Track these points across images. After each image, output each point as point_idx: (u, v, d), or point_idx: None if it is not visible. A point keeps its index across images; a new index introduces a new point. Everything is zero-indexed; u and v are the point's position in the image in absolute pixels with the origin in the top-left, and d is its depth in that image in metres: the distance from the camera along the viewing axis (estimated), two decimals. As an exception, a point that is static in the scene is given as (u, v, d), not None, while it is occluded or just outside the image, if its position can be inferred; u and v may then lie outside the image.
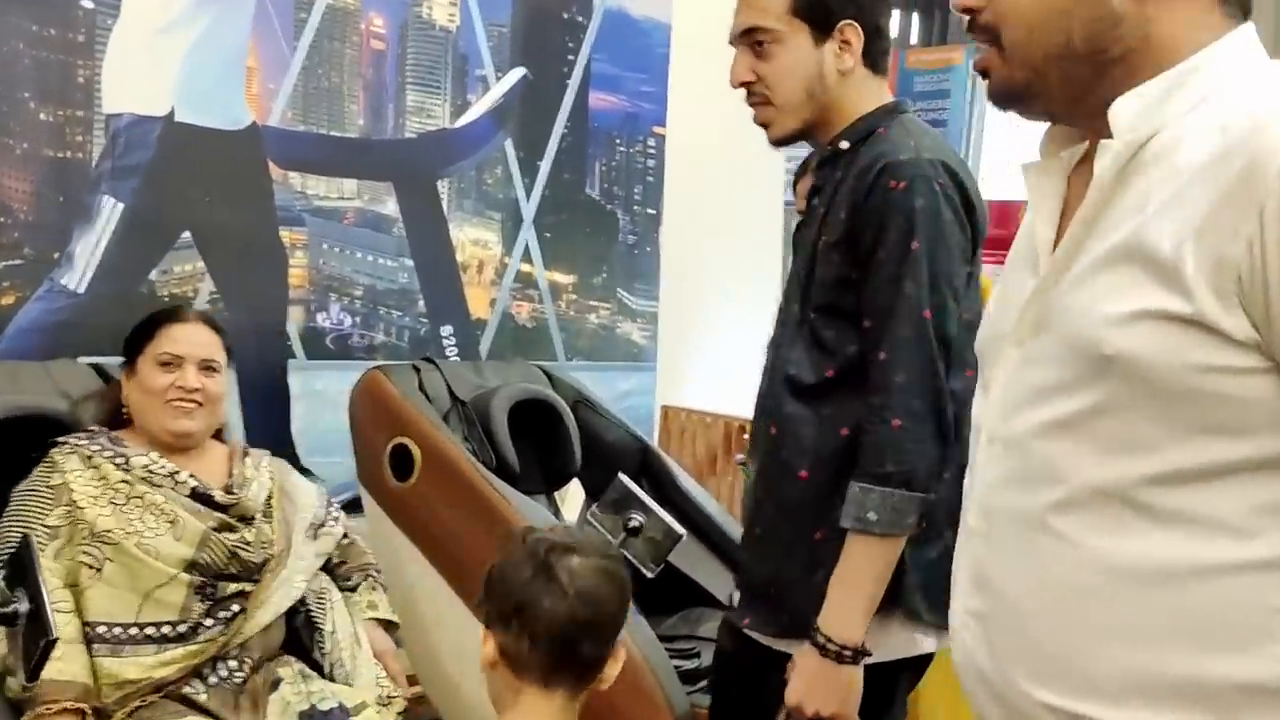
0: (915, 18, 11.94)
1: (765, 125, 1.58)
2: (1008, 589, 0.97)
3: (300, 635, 2.06)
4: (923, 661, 1.62)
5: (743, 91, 1.59)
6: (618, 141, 3.58)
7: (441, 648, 2.42)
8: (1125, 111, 0.92)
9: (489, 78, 3.24)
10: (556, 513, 2.64)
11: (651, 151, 3.66)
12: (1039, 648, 0.95)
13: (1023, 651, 0.96)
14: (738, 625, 1.61)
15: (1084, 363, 0.90)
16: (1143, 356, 0.86)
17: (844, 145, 1.54)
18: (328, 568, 2.14)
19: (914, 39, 12.35)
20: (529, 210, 3.36)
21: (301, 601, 2.05)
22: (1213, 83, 0.90)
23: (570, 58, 3.44)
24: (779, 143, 1.60)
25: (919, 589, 1.50)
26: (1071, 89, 0.96)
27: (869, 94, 1.57)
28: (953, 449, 1.45)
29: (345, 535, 2.19)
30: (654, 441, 3.32)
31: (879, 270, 1.45)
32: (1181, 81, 0.90)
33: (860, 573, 1.45)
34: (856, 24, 1.55)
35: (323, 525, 2.13)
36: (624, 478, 2.43)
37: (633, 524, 2.31)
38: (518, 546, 1.39)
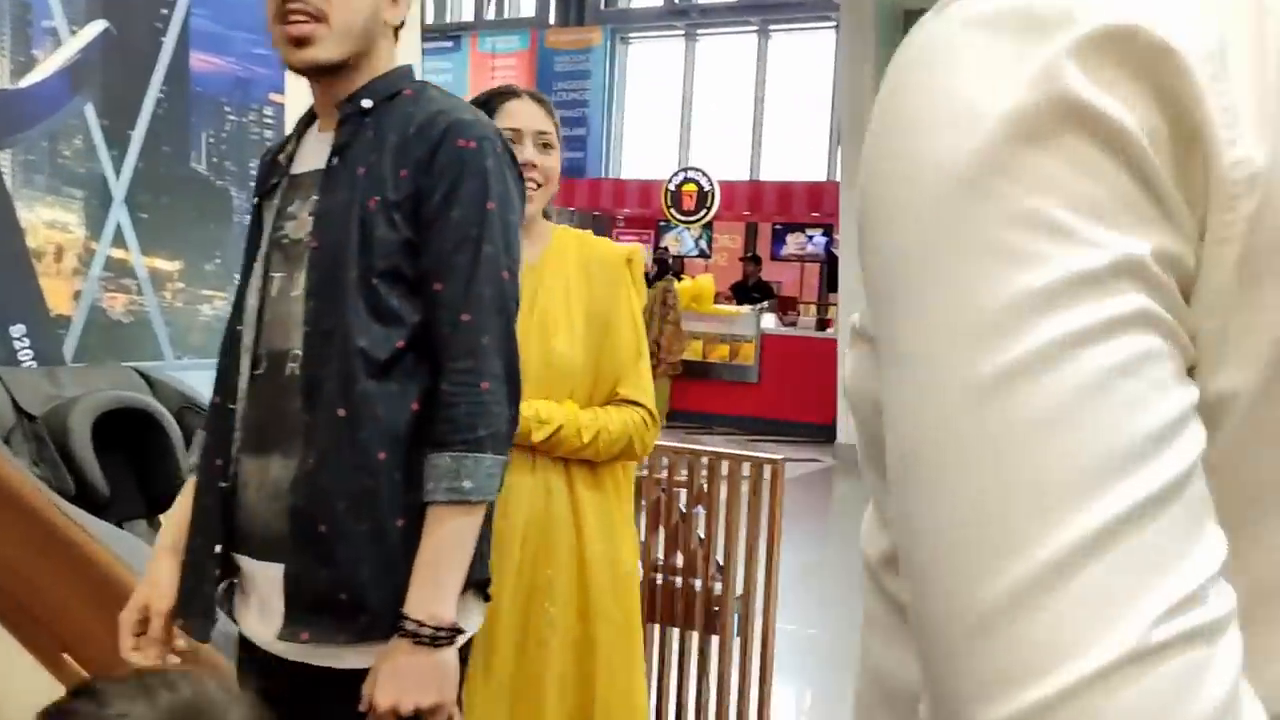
0: (553, -3, 11.89)
1: (303, 42, 1.43)
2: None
3: None
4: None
5: None
6: (227, 109, 3.18)
7: (7, 707, 1.99)
8: None
9: (60, 31, 2.75)
10: (160, 540, 2.25)
11: (269, 121, 3.29)
12: None
13: None
14: (279, 652, 1.41)
15: None
16: (849, 387, 0.66)
17: (367, 104, 1.47)
18: None
19: (552, 19, 12.48)
20: (119, 187, 2.90)
21: None
22: None
23: (164, 11, 3.00)
24: (311, 68, 1.45)
25: (482, 558, 1.46)
26: None
27: (389, 57, 1.53)
28: (516, 411, 1.44)
29: None
30: (284, 446, 2.97)
31: (453, 229, 1.40)
32: None
33: (451, 547, 1.38)
34: None
35: None
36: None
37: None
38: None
